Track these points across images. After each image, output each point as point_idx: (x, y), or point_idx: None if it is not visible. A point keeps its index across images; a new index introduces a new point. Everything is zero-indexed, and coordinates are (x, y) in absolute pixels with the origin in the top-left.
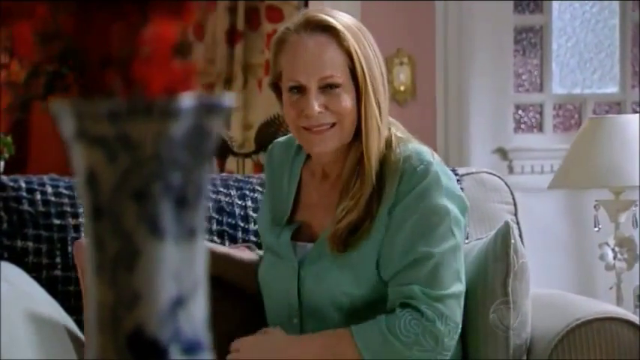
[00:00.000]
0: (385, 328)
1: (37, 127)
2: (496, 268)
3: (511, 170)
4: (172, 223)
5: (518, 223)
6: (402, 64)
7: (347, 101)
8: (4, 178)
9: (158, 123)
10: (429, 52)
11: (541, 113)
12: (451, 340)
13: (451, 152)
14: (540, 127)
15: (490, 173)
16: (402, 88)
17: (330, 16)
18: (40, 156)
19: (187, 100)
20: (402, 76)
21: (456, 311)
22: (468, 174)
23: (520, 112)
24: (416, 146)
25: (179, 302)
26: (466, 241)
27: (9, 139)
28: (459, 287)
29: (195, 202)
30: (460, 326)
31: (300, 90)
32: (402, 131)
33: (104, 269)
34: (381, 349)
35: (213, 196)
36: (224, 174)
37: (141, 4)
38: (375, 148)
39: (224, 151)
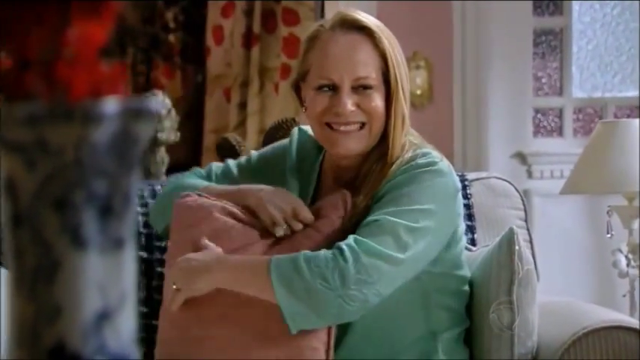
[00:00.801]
0: (302, 257)
1: None
2: (500, 275)
3: (530, 175)
4: (96, 233)
5: (528, 229)
6: (418, 67)
7: (378, 102)
8: None
9: (80, 128)
10: (446, 55)
11: (561, 117)
12: (359, 292)
13: (469, 157)
14: (560, 132)
15: (500, 178)
16: (418, 92)
17: (364, 17)
18: None
19: (112, 104)
20: (419, 79)
21: (379, 271)
22: (477, 179)
23: (539, 115)
24: (426, 149)
25: (104, 316)
26: (474, 248)
27: None
28: (399, 255)
29: (122, 211)
30: (381, 292)
31: (331, 88)
32: (415, 137)
33: (23, 281)
34: (290, 275)
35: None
36: None
37: (60, 4)
38: (398, 153)
39: (232, 155)
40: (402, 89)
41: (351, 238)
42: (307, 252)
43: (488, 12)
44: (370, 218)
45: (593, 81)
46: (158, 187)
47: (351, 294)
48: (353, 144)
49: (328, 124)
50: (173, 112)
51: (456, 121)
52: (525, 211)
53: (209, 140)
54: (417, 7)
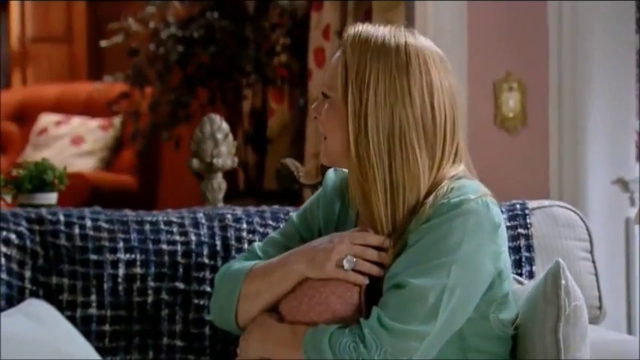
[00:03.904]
0: (327, 339)
1: (167, 161)
2: (546, 311)
3: (633, 202)
4: None
5: (594, 262)
6: (511, 89)
7: (329, 113)
8: (43, 211)
9: None
10: (541, 76)
11: None
12: None
13: (565, 184)
14: None
15: (564, 207)
16: (511, 115)
17: (356, 29)
18: (169, 191)
19: None
20: (512, 102)
21: (407, 351)
22: (538, 208)
23: None
24: (462, 182)
25: None
26: (525, 281)
27: (63, 170)
28: (427, 328)
29: None
30: None
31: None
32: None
33: None
34: (315, 355)
35: (261, 229)
36: (276, 207)
37: None
38: (373, 204)
39: (291, 181)
40: (367, 103)
41: (374, 317)
42: (334, 331)
43: (587, 31)
44: (395, 280)
45: None
46: (200, 215)
47: None
48: (321, 154)
49: None
50: (230, 137)
51: (551, 146)
52: (591, 242)
53: (310, 165)
54: (510, 27)
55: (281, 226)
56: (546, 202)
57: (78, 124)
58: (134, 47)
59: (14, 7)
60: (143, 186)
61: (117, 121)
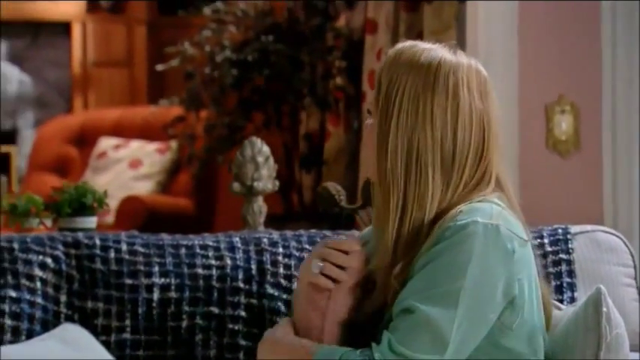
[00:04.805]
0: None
1: (223, 184)
2: (587, 339)
3: None
4: None
5: (638, 288)
6: (563, 112)
7: (369, 132)
8: (80, 235)
9: None
10: (594, 99)
11: None
12: None
13: (621, 210)
14: None
15: (608, 232)
16: (563, 138)
17: (399, 45)
18: (225, 214)
19: None
20: (564, 124)
21: None
22: (581, 232)
23: None
24: (478, 205)
25: None
26: (562, 306)
27: (103, 193)
28: (435, 357)
29: None
30: None
31: None
32: (490, 196)
33: None
34: None
35: (297, 253)
36: (313, 230)
37: None
38: (387, 218)
39: (331, 205)
40: (391, 121)
41: (385, 342)
42: (345, 352)
43: None
44: (404, 304)
45: None
46: (236, 239)
47: None
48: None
49: None
50: (271, 160)
51: (605, 171)
52: (635, 268)
53: None
54: (562, 49)
55: None
56: (589, 227)
57: (136, 147)
58: (190, 71)
59: (76, 32)
60: (200, 209)
61: (174, 144)
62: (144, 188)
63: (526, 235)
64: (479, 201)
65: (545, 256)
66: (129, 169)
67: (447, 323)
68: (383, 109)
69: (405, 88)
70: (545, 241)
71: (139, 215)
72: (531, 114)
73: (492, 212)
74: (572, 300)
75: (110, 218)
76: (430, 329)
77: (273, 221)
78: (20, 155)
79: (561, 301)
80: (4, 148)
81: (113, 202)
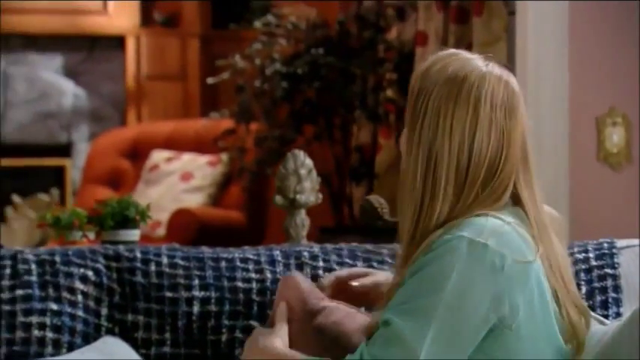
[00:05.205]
0: None
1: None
2: (631, 355)
3: None
4: None
5: None
6: (615, 124)
7: (402, 141)
8: (121, 248)
9: None
10: None
11: None
12: None
13: None
14: None
15: None
16: (615, 151)
17: (436, 55)
18: (276, 227)
19: None
20: (616, 137)
21: None
22: (627, 247)
23: None
24: (476, 219)
25: None
26: (607, 321)
27: (146, 206)
28: None
29: None
30: None
31: None
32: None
33: None
34: None
35: (337, 267)
36: (354, 244)
37: None
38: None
39: (375, 218)
40: (415, 131)
41: (358, 352)
42: None
43: None
44: (384, 316)
45: None
46: (276, 252)
47: None
48: None
49: None
50: (314, 173)
51: None
52: None
53: None
54: (614, 60)
55: (358, 264)
56: (635, 241)
57: (188, 160)
58: (240, 84)
59: (130, 46)
60: (251, 222)
61: (225, 157)
62: (195, 201)
63: (531, 253)
64: (478, 215)
65: (590, 270)
66: (180, 181)
67: (419, 338)
68: (410, 119)
69: (429, 99)
70: (591, 255)
71: (190, 228)
72: (582, 126)
73: (485, 227)
74: (618, 315)
75: (162, 231)
76: (401, 344)
77: (325, 234)
78: (75, 168)
79: (606, 317)
80: (60, 162)
81: (164, 215)
